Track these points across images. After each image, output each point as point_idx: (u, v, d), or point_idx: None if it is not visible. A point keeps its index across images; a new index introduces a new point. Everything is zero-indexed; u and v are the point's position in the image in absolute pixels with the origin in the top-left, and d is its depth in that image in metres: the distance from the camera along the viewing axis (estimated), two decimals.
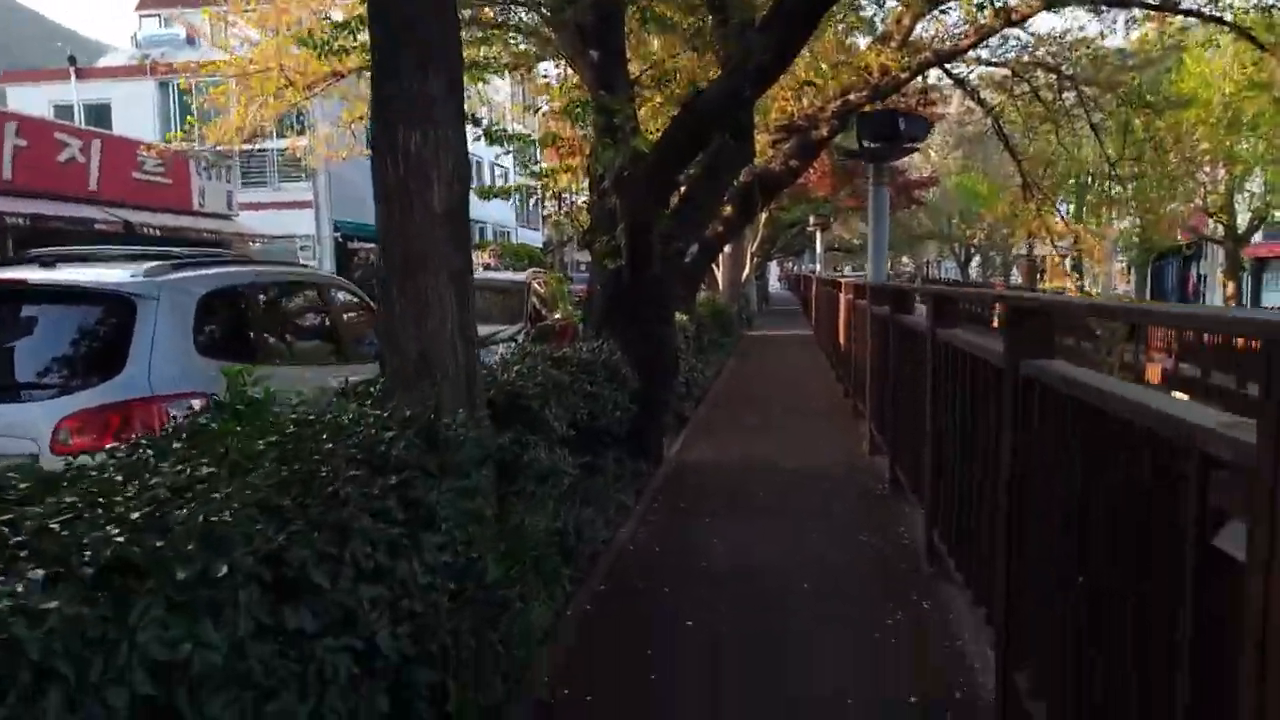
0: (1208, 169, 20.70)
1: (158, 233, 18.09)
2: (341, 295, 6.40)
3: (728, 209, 11.85)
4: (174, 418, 3.40)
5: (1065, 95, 13.24)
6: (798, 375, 13.52)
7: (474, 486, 2.94)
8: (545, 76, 13.99)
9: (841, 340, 11.16)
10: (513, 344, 10.88)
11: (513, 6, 6.87)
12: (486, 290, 12.20)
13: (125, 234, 17.04)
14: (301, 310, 6.19)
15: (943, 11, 10.02)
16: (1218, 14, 8.46)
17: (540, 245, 39.95)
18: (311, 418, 2.38)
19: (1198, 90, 15.83)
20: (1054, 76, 12.90)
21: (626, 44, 6.62)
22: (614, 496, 5.79)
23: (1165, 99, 13.51)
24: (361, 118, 14.98)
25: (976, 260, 48.80)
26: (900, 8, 10.36)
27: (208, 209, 21.19)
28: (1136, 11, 9.91)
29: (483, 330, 10.32)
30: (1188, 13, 8.67)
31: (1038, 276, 41.92)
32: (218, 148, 20.81)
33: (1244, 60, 14.58)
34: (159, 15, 33.54)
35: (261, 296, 5.82)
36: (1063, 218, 12.85)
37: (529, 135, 6.80)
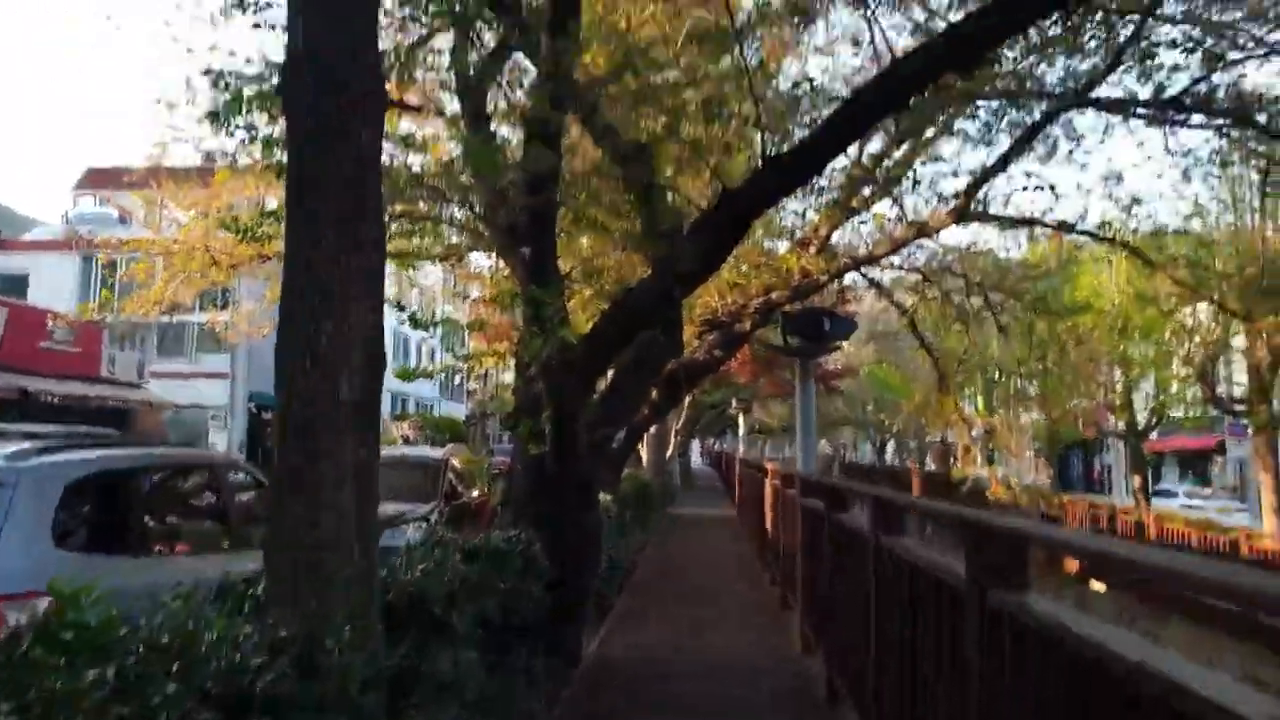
0: (1104, 369, 22.03)
1: (56, 400, 17.26)
2: (237, 476, 5.99)
3: (654, 394, 11.90)
4: (16, 622, 2.98)
5: (973, 299, 14.02)
6: (722, 559, 13.19)
7: None
8: (477, 267, 14.23)
9: (768, 527, 10.98)
10: (424, 524, 10.41)
11: (445, 202, 6.97)
12: (401, 467, 11.78)
13: (21, 401, 16.20)
14: (189, 494, 5.76)
15: (861, 222, 10.63)
16: (1109, 236, 9.15)
17: (463, 418, 39.59)
18: (165, 641, 2.04)
19: (1090, 299, 17.04)
20: (962, 281, 13.69)
21: (558, 241, 6.71)
22: (522, 706, 5.31)
23: (1065, 306, 14.39)
24: None
25: (891, 445, 50.09)
26: (818, 218, 10.95)
27: (116, 377, 20.45)
28: (1039, 229, 10.65)
29: (393, 509, 9.84)
30: (1085, 233, 9.36)
31: (951, 461, 43.02)
32: (133, 319, 20.39)
33: (1131, 274, 15.89)
34: (94, 195, 33.64)
35: (144, 481, 5.40)
36: (976, 409, 13.32)
37: (457, 320, 6.72)
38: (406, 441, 39.70)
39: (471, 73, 6.52)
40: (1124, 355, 20.59)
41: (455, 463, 11.71)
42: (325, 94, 3.28)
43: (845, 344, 34.26)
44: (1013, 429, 14.22)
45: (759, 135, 4.80)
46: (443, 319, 6.59)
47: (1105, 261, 16.58)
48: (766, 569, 11.33)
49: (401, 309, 6.28)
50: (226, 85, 4.76)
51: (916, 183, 7.38)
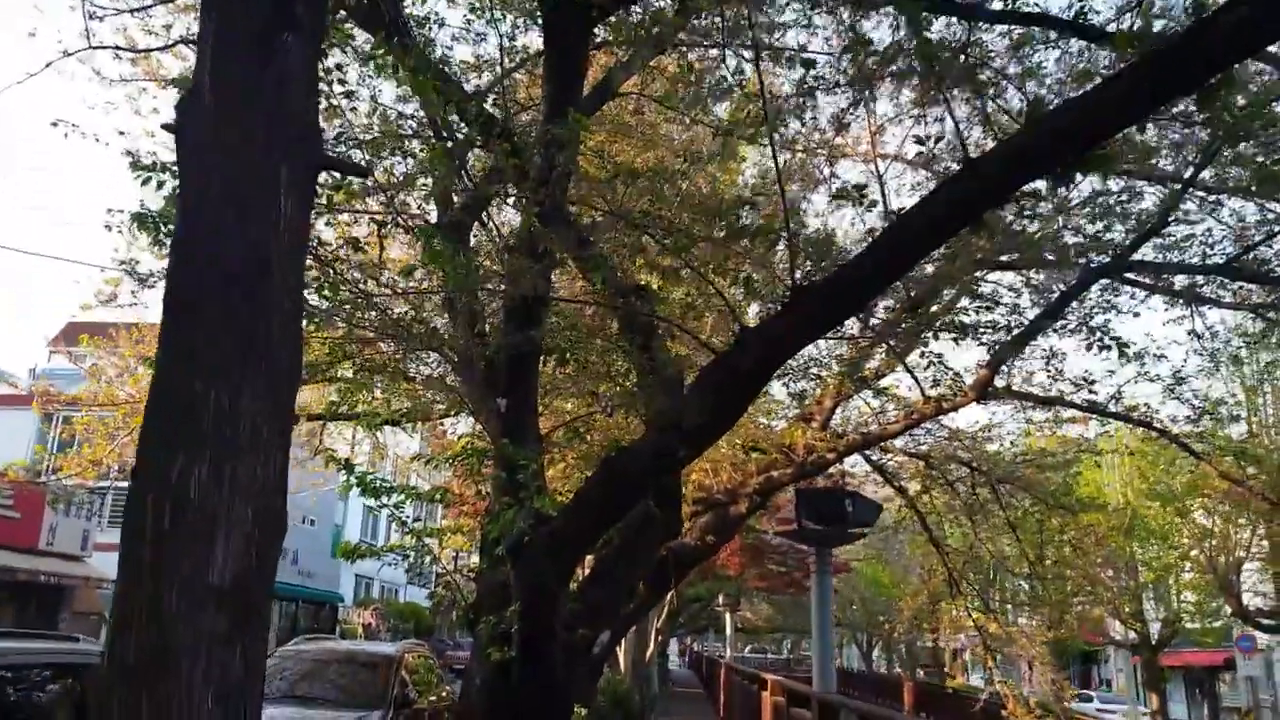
0: (1110, 573, 20.69)
1: None
2: None
3: (639, 587, 10.60)
4: None
5: (980, 490, 13.01)
6: None
7: None
8: (450, 433, 13.15)
9: None
10: None
11: (416, 355, 6.10)
12: (345, 664, 10.23)
13: None
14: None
15: (873, 395, 9.77)
16: (1146, 421, 8.32)
17: (429, 608, 37.09)
18: None
19: (1093, 496, 16.05)
20: (967, 470, 12.74)
21: (539, 401, 5.79)
22: None
23: (1078, 500, 13.39)
24: None
25: (878, 649, 47.28)
26: (820, 390, 10.14)
27: (55, 548, 18.79)
28: (1065, 411, 9.82)
29: (329, 716, 8.30)
30: (1120, 417, 8.52)
31: (945, 670, 40.46)
32: (76, 483, 19.01)
33: (1144, 468, 15.05)
34: (69, 352, 32.86)
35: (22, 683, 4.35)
36: (972, 615, 12.03)
37: (414, 489, 5.65)
38: (367, 630, 36.98)
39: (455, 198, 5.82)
40: (1131, 558, 19.33)
41: (410, 660, 10.18)
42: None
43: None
44: (1031, 637, 12.84)
45: (788, 263, 3.98)
46: (399, 487, 5.51)
47: (1106, 456, 15.73)
48: None
49: (349, 468, 5.24)
50: (147, 179, 3.95)
51: (940, 359, 6.59)
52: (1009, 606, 12.82)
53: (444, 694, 10.72)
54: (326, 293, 4.80)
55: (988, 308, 7.11)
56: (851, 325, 9.38)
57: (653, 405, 4.78)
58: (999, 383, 9.14)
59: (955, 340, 7.50)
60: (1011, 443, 11.82)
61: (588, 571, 6.02)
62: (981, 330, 8.09)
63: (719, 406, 4.21)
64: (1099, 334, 6.95)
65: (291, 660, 10.29)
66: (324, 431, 10.83)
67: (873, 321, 7.76)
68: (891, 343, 7.57)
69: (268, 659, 10.49)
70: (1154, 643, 21.45)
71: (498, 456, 5.12)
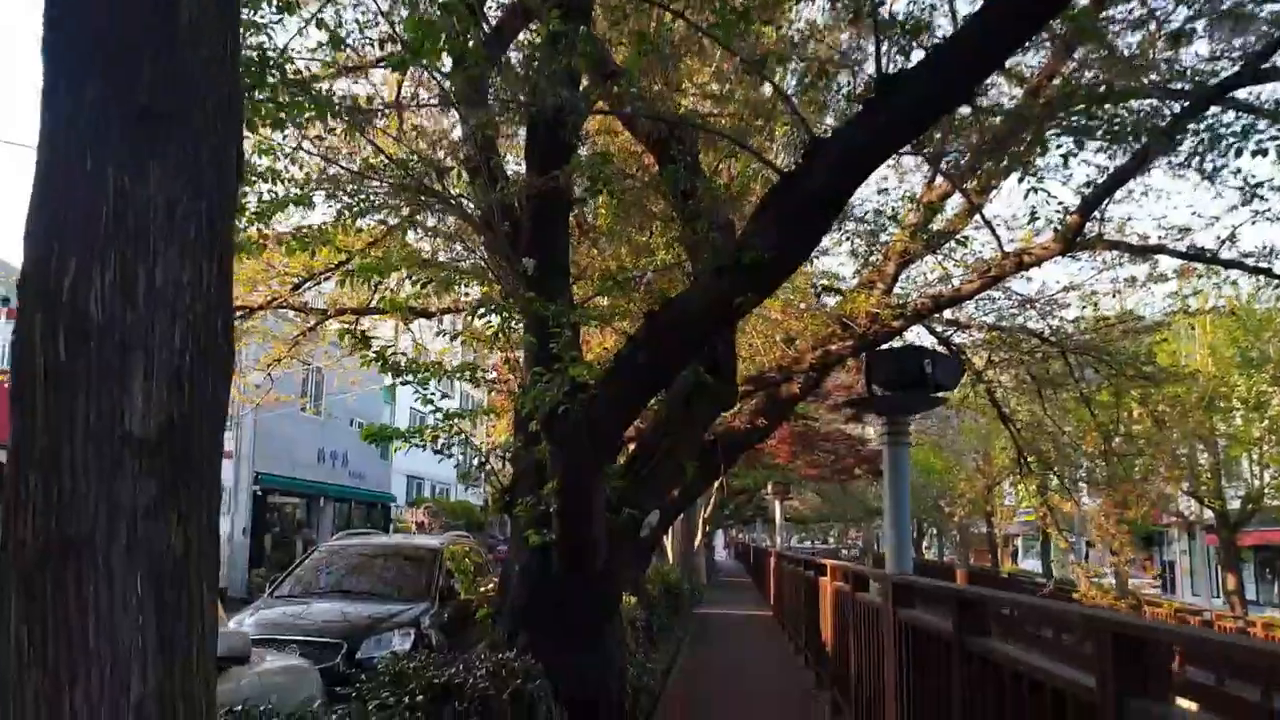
0: (1187, 449, 19.78)
1: None
2: None
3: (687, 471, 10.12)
4: None
5: (1051, 363, 12.19)
6: (767, 673, 11.14)
7: None
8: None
9: (827, 636, 9.01)
10: (409, 635, 8.56)
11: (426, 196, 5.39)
12: (389, 558, 10.00)
13: None
14: None
15: (945, 256, 8.91)
16: (1264, 266, 7.37)
17: (481, 506, 37.60)
18: None
19: (1174, 366, 15.08)
20: (1037, 342, 11.90)
21: (569, 258, 5.10)
22: None
23: (1162, 370, 12.50)
24: (279, 360, 13.42)
25: (931, 536, 47.25)
26: (883, 253, 9.29)
27: None
28: (1166, 267, 8.87)
29: (375, 610, 8.01)
30: (1232, 264, 7.57)
31: (997, 557, 40.32)
32: None
33: (1235, 335, 14.07)
34: None
35: None
36: (1023, 495, 11.40)
37: (438, 364, 5.04)
38: (420, 528, 37.67)
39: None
40: (1211, 431, 18.39)
41: (457, 552, 9.88)
42: None
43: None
44: (1109, 516, 12.25)
45: (873, 50, 3.18)
46: (423, 364, 4.90)
47: (1189, 323, 14.69)
48: (824, 686, 9.32)
49: (364, 342, 4.65)
50: None
51: (1040, 183, 5.72)
52: (1082, 485, 12.16)
53: (491, 585, 10.47)
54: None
55: (1079, 144, 6.19)
56: (922, 168, 8.50)
57: (701, 249, 4.07)
58: (1088, 233, 8.25)
59: (1035, 186, 6.59)
60: (1095, 304, 10.90)
61: (631, 448, 5.46)
62: (1071, 169, 7.19)
63: (785, 239, 3.50)
64: (1213, 163, 6.01)
65: (336, 555, 10.08)
66: (358, 325, 10.35)
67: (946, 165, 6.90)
68: (968, 188, 6.71)
69: (313, 552, 10.19)
70: (1231, 521, 20.70)
71: (527, 320, 4.50)
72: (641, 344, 4.06)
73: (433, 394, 5.31)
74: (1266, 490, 20.15)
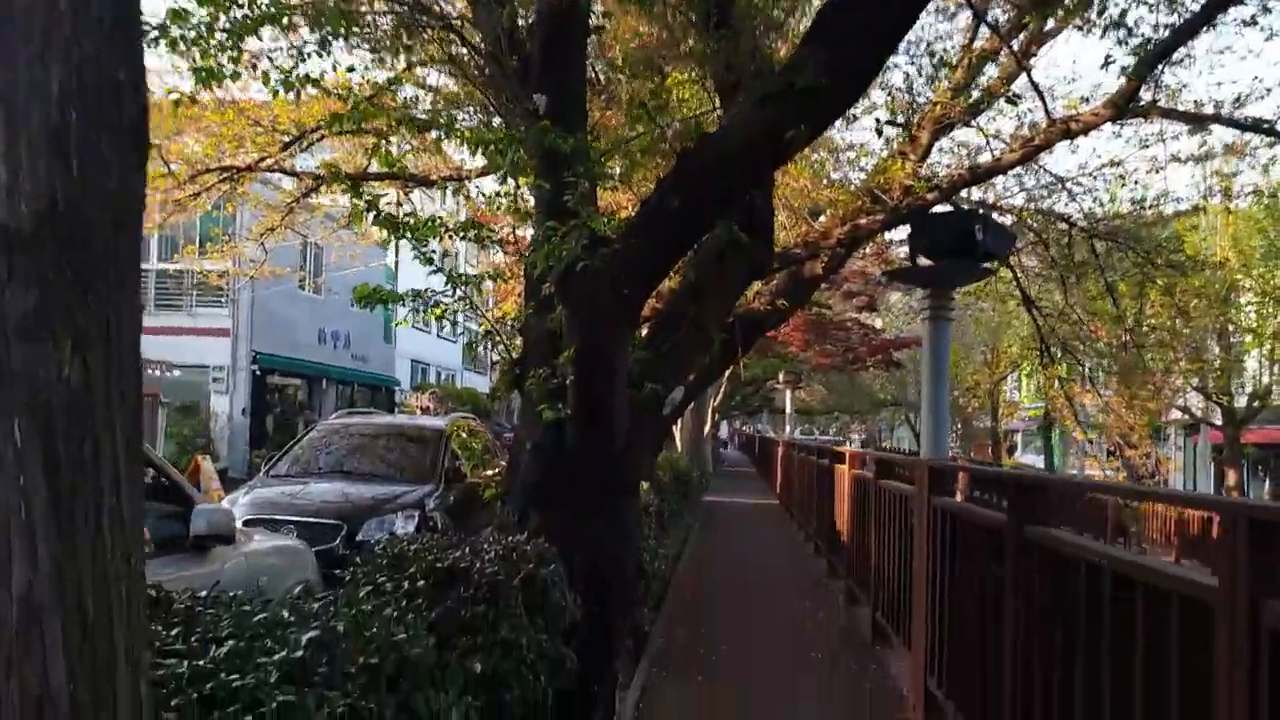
0: (1198, 343, 19.30)
1: None
2: None
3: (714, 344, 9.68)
4: None
5: (1077, 250, 11.58)
6: (777, 562, 10.98)
7: None
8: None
9: (842, 526, 8.74)
10: (413, 517, 8.28)
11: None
12: (394, 438, 9.66)
13: None
14: None
15: (981, 129, 8.18)
16: None
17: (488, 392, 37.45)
18: None
19: (1199, 256, 14.47)
20: (1065, 227, 11.26)
21: (587, 93, 4.47)
22: None
23: (1190, 259, 11.90)
24: (273, 229, 12.82)
25: None
26: (918, 119, 8.58)
27: None
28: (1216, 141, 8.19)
29: (376, 491, 7.70)
30: None
31: (1000, 452, 40.44)
32: None
33: (1263, 225, 13.42)
34: None
35: None
36: (1093, 385, 10.93)
37: (438, 218, 4.49)
38: (425, 413, 37.68)
39: None
40: (1225, 325, 17.89)
41: (464, 434, 9.53)
42: None
43: (890, 314, 31.50)
44: (1132, 409, 11.89)
45: None
46: (420, 220, 4.35)
47: (1215, 213, 14.00)
48: (837, 576, 9.12)
49: (354, 190, 4.10)
50: None
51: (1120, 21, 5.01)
52: (1100, 377, 11.74)
53: (499, 468, 10.19)
54: None
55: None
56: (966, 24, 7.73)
57: (740, 77, 3.47)
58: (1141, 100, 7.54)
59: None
60: (1135, 181, 10.23)
61: (650, 325, 4.97)
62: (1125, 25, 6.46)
63: (846, 59, 2.90)
64: None
65: (338, 434, 9.73)
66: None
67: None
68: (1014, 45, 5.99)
69: (311, 431, 9.85)
70: (1238, 418, 20.44)
71: (539, 162, 3.92)
72: (672, 189, 3.51)
73: (432, 252, 4.79)
74: (1276, 386, 19.74)
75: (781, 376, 22.23)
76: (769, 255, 4.53)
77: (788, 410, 23.35)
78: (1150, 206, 10.41)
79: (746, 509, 18.21)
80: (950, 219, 5.84)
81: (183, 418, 23.57)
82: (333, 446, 9.40)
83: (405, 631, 2.59)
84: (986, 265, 5.70)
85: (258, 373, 24.72)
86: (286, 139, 8.86)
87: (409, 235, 4.62)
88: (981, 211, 6.85)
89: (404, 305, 4.68)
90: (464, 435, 8.50)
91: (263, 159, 9.42)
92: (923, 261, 5.47)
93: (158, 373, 21.13)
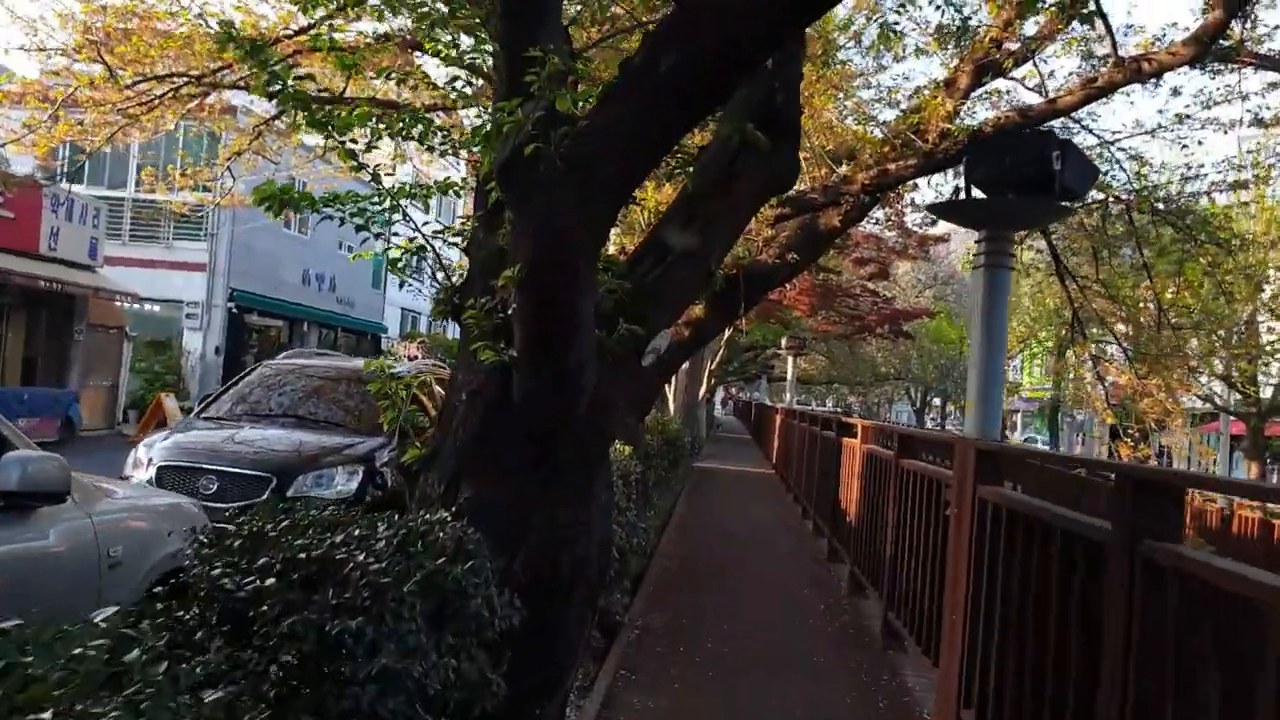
0: (1223, 331, 18.22)
1: None
2: None
3: (699, 308, 8.61)
4: None
5: (1114, 223, 10.48)
6: (773, 540, 10.02)
7: None
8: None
9: (848, 506, 7.75)
10: (356, 473, 7.25)
11: None
12: (352, 382, 8.56)
13: None
14: None
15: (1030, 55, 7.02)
16: None
17: None
18: None
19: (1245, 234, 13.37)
20: (1101, 196, 10.14)
21: None
22: None
23: (1238, 237, 10.82)
24: (240, 153, 11.68)
25: (936, 406, 46.33)
26: (962, 56, 7.44)
27: (59, 254, 17.34)
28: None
29: (318, 440, 6.61)
30: None
31: (1003, 431, 39.56)
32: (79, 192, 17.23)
33: None
34: None
35: None
36: (1133, 367, 9.87)
37: (368, 101, 3.41)
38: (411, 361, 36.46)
39: None
40: (1254, 312, 16.77)
41: (435, 384, 8.41)
42: None
43: (897, 285, 30.24)
44: (1171, 391, 10.89)
45: None
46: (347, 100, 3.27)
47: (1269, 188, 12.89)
48: (839, 558, 8.16)
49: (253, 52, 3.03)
50: None
51: None
52: (1131, 355, 10.69)
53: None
54: None
55: None
56: None
57: None
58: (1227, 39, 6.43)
59: None
60: (1184, 145, 9.11)
61: (645, 236, 3.88)
62: None
63: None
64: None
65: (282, 375, 8.64)
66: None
67: None
68: None
69: (255, 370, 8.79)
70: (1264, 409, 19.37)
71: (498, 24, 2.83)
72: (666, 40, 2.43)
73: (360, 146, 3.73)
74: None
75: (784, 342, 21.15)
76: (793, 165, 3.44)
77: (789, 377, 22.30)
78: (1199, 177, 9.29)
79: (740, 477, 17.26)
80: (1021, 142, 4.72)
81: (154, 353, 22.53)
82: (277, 389, 8.34)
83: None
84: (1065, 204, 4.60)
85: (234, 310, 23.62)
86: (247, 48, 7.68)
87: (327, 127, 3.56)
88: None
89: (315, 209, 3.62)
90: (430, 386, 7.44)
91: (222, 69, 8.25)
92: (977, 194, 4.38)
93: (125, 304, 20.04)
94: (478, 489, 3.20)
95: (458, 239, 3.87)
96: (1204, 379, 18.02)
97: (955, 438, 4.25)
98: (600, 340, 3.13)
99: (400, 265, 3.58)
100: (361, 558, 2.44)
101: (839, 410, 51.47)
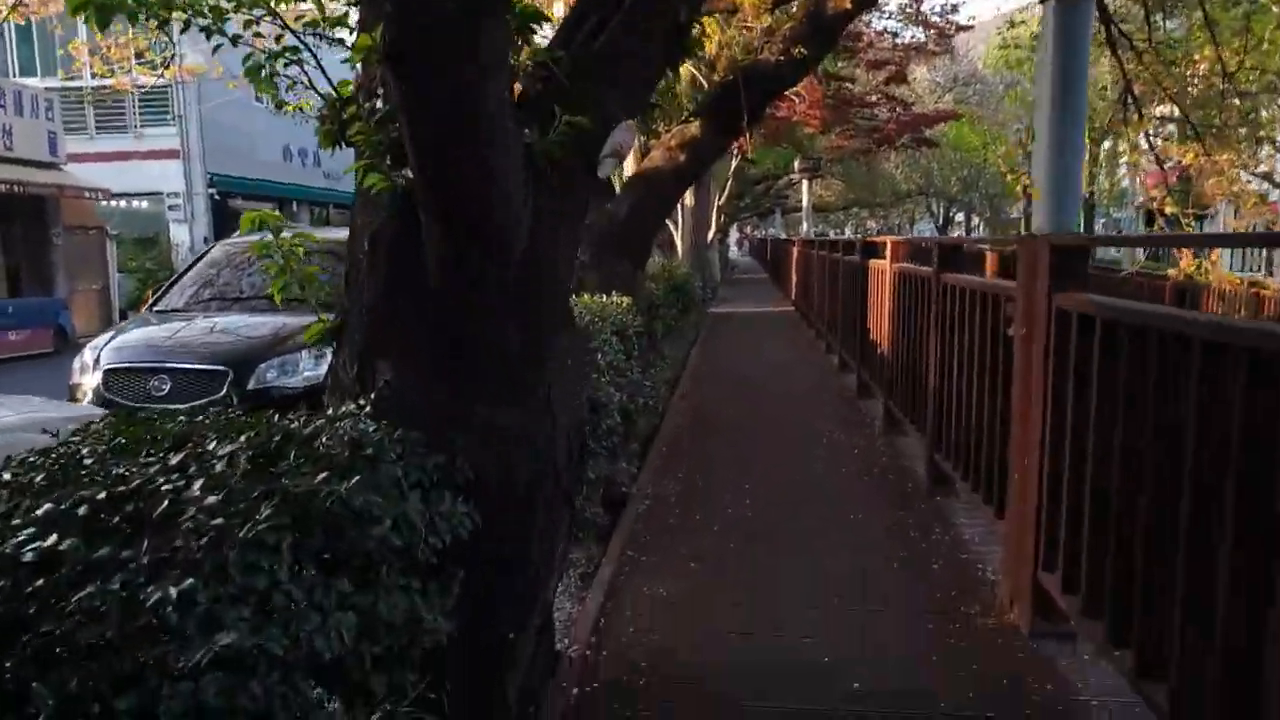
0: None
1: None
2: None
3: (695, 125, 7.56)
4: None
5: None
6: (795, 381, 9.31)
7: None
8: None
9: (879, 337, 6.95)
10: (323, 357, 6.51)
11: None
12: (314, 257, 7.69)
13: None
14: None
15: None
16: None
17: None
18: None
19: None
20: None
21: None
22: None
23: None
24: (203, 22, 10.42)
25: (960, 221, 44.58)
26: None
27: (18, 154, 16.27)
28: None
29: (279, 323, 5.79)
30: None
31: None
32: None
33: None
34: None
35: None
36: (1195, 140, 8.69)
37: None
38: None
39: None
40: None
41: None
42: None
43: (917, 90, 28.03)
44: (1245, 168, 9.79)
45: None
46: None
47: None
48: (868, 394, 7.44)
49: None
50: None
51: None
52: (1190, 133, 9.47)
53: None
54: None
55: None
56: None
57: None
58: None
59: None
60: None
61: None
62: None
63: None
64: None
65: (241, 255, 7.77)
66: None
67: None
68: None
69: (211, 250, 7.93)
70: None
71: None
72: None
73: None
74: None
75: (797, 165, 19.76)
76: None
77: (805, 203, 20.99)
78: None
79: (758, 318, 16.47)
80: None
81: (142, 250, 21.69)
82: (242, 269, 7.51)
83: None
84: None
85: (216, 197, 22.56)
86: None
87: None
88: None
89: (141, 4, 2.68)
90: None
91: None
92: None
93: (101, 201, 19.05)
94: (399, 371, 2.40)
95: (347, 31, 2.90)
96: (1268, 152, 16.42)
97: (1018, 238, 3.36)
98: (528, 145, 2.24)
99: (265, 75, 2.66)
100: (197, 488, 1.68)
101: (859, 237, 49.87)
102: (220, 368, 5.72)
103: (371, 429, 2.02)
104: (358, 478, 1.83)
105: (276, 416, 2.08)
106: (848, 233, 52.94)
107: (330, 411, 2.27)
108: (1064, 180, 3.22)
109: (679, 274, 11.71)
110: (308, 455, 1.88)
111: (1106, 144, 18.09)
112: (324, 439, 1.94)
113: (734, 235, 50.97)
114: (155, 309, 7.03)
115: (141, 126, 22.25)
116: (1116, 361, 2.55)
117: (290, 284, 2.84)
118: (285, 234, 2.88)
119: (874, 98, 17.51)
